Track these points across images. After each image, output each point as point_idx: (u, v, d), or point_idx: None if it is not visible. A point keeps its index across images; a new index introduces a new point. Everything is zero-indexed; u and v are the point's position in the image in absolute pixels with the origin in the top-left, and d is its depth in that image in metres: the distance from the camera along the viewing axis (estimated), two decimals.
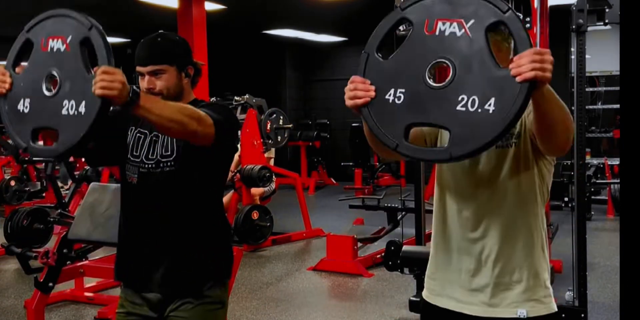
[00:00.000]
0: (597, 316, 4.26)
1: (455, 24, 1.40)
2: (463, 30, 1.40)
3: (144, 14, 8.69)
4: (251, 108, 7.31)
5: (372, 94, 1.52)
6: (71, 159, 8.21)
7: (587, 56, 3.96)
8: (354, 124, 10.74)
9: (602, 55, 8.38)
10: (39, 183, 8.89)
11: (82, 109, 1.65)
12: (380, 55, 1.54)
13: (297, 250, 6.66)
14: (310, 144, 11.44)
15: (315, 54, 12.51)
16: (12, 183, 7.77)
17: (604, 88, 9.45)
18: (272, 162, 7.51)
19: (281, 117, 7.38)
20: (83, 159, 8.71)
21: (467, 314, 1.78)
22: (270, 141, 7.22)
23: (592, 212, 7.61)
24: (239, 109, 7.77)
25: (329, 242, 5.75)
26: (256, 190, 6.75)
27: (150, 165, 2.05)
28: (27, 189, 8.00)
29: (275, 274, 5.64)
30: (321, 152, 11.65)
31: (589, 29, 3.87)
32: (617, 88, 8.14)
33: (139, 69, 2.05)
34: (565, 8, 4.41)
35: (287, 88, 12.49)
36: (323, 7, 8.56)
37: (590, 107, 9.16)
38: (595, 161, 8.52)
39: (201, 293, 2.06)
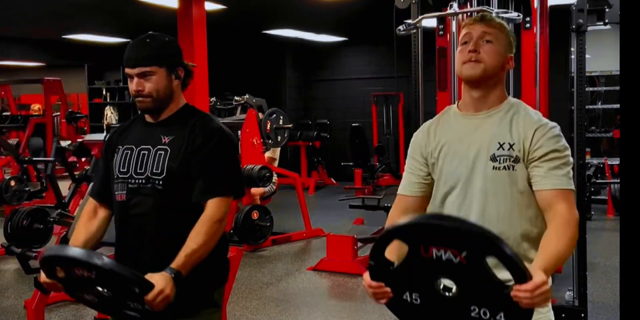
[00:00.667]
0: (597, 316, 4.26)
1: (449, 252, 1.44)
2: (459, 259, 1.44)
3: (144, 14, 8.69)
4: (251, 108, 7.31)
5: (390, 295, 1.58)
6: (72, 158, 8.21)
7: (587, 56, 3.96)
8: (354, 124, 10.74)
9: (602, 55, 8.39)
10: (39, 183, 8.89)
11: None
12: (386, 265, 1.57)
13: (297, 250, 6.65)
14: (310, 144, 11.43)
15: (315, 54, 12.50)
16: (12, 183, 7.76)
17: (604, 88, 9.45)
18: (275, 164, 7.51)
19: (281, 117, 7.38)
20: (83, 159, 8.67)
21: None
22: (270, 141, 7.22)
23: (592, 212, 7.61)
24: (239, 109, 7.77)
25: (329, 242, 5.74)
26: (256, 190, 6.75)
27: (140, 181, 2.01)
28: (27, 189, 7.98)
29: (275, 274, 5.64)
30: (321, 152, 11.64)
31: (589, 29, 3.87)
32: (617, 88, 8.14)
33: (127, 71, 2.01)
34: (565, 8, 4.42)
35: (287, 88, 12.48)
36: (323, 7, 8.55)
37: (590, 107, 9.16)
38: (595, 161, 8.51)
39: (197, 298, 2.05)
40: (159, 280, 1.75)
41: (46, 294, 3.72)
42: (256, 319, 4.40)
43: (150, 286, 1.71)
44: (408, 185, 1.91)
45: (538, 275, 1.44)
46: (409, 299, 1.56)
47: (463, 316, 1.49)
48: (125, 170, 2.04)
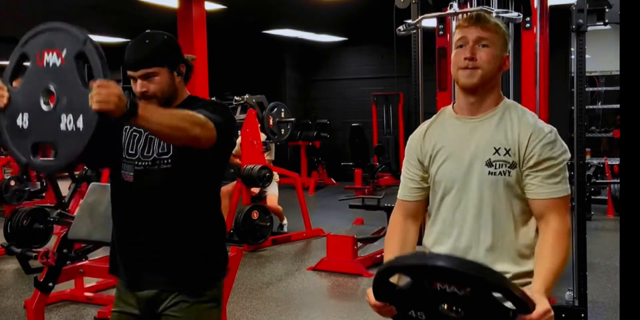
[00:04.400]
0: (597, 316, 4.26)
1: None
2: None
3: (144, 14, 8.69)
4: (251, 108, 7.32)
5: (394, 311, 1.65)
6: None
7: (587, 56, 3.96)
8: (353, 124, 10.74)
9: (602, 55, 8.38)
10: (39, 183, 8.89)
11: (79, 124, 1.66)
12: (389, 288, 1.62)
13: (297, 250, 6.66)
14: (310, 144, 11.44)
15: (315, 54, 12.51)
16: (12, 183, 7.77)
17: (604, 88, 9.46)
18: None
19: (282, 110, 7.38)
20: None
21: None
22: (275, 136, 7.25)
23: (592, 212, 7.61)
24: (239, 108, 7.78)
25: (329, 242, 5.74)
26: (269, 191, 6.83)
27: (146, 163, 2.03)
28: (27, 189, 7.99)
29: (275, 274, 5.64)
30: (321, 152, 11.64)
31: (589, 29, 3.87)
32: (617, 88, 8.15)
33: (130, 73, 2.01)
34: (565, 8, 4.41)
35: (287, 88, 12.48)
36: (323, 7, 8.56)
37: (590, 107, 9.17)
38: (595, 161, 8.52)
39: (196, 292, 2.06)
40: (113, 82, 1.67)
41: (46, 293, 3.72)
42: (256, 319, 4.40)
43: (107, 75, 1.67)
44: (407, 191, 1.93)
45: (541, 304, 1.47)
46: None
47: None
48: (133, 152, 2.06)
